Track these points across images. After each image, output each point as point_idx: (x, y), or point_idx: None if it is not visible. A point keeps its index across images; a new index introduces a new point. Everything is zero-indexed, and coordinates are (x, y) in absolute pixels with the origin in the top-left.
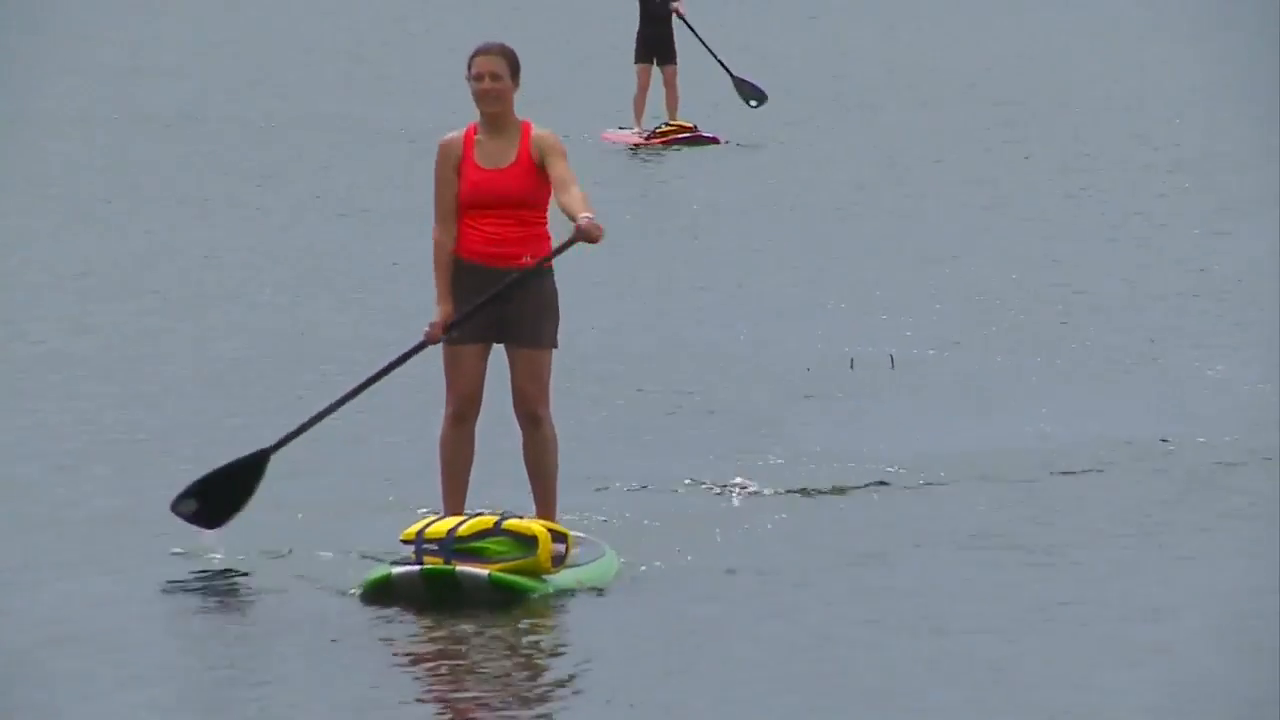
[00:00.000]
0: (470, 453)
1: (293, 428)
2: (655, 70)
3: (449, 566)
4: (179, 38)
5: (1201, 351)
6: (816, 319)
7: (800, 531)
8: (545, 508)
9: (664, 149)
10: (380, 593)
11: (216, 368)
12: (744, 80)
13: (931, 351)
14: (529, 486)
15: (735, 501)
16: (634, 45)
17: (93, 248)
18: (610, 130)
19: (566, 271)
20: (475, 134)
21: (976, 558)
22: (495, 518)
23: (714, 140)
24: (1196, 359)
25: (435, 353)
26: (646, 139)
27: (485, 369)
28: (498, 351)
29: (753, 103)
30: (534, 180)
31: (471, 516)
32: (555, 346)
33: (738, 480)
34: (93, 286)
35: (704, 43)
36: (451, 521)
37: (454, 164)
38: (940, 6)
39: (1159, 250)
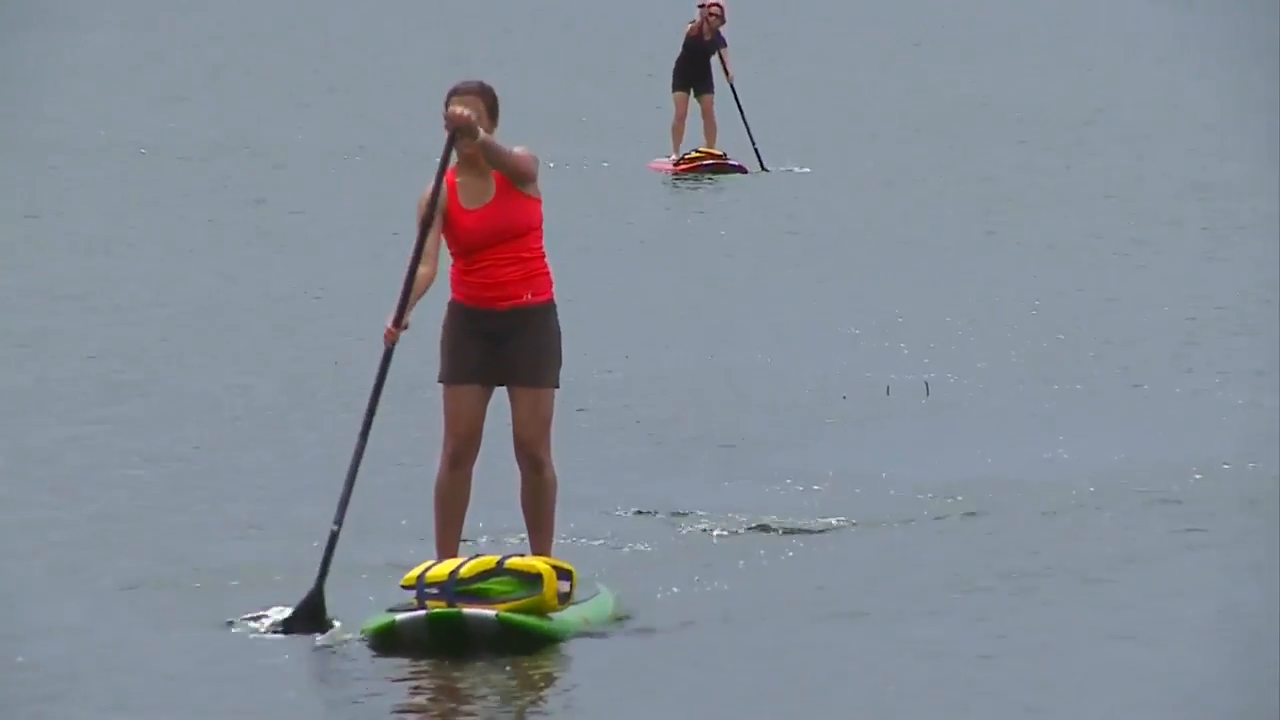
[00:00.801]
0: (466, 496)
1: (334, 517)
2: (693, 100)
3: (455, 609)
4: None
5: (1224, 378)
6: (845, 347)
7: (816, 567)
8: (542, 549)
9: (697, 177)
10: (384, 640)
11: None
12: (764, 165)
13: (956, 378)
14: (523, 527)
15: (742, 533)
16: (671, 74)
17: (122, 271)
18: (657, 160)
19: (595, 298)
20: (455, 177)
21: (999, 592)
22: (497, 557)
23: (740, 169)
24: (1223, 386)
25: (436, 394)
26: (675, 165)
27: (485, 411)
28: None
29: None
30: (518, 206)
31: (472, 557)
32: (557, 386)
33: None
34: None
35: (744, 117)
36: (452, 563)
37: (440, 209)
38: (960, 38)
39: (1183, 277)
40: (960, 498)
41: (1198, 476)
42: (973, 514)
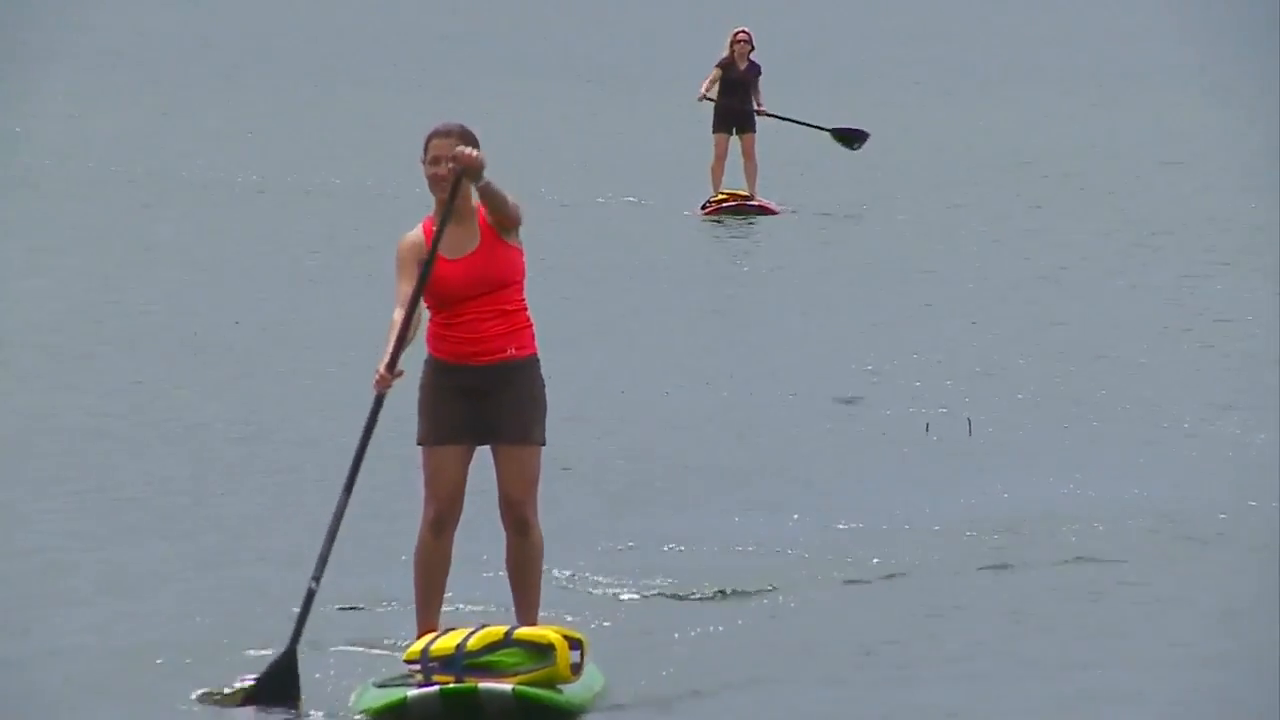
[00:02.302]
0: (448, 563)
1: (314, 569)
2: (735, 140)
3: (470, 684)
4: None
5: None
6: (890, 384)
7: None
8: (528, 615)
9: (720, 219)
10: (392, 718)
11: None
12: (841, 129)
13: (985, 416)
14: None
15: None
16: (711, 115)
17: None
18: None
19: (631, 332)
20: (432, 225)
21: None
22: (505, 628)
23: (764, 210)
24: (1245, 426)
25: (415, 455)
26: (703, 208)
27: (467, 472)
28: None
29: (856, 145)
30: (502, 256)
31: (478, 628)
32: (543, 444)
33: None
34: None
35: (792, 119)
36: (457, 635)
37: (417, 259)
38: (985, 78)
39: (1213, 315)
40: (997, 537)
41: (1224, 516)
42: (1002, 565)
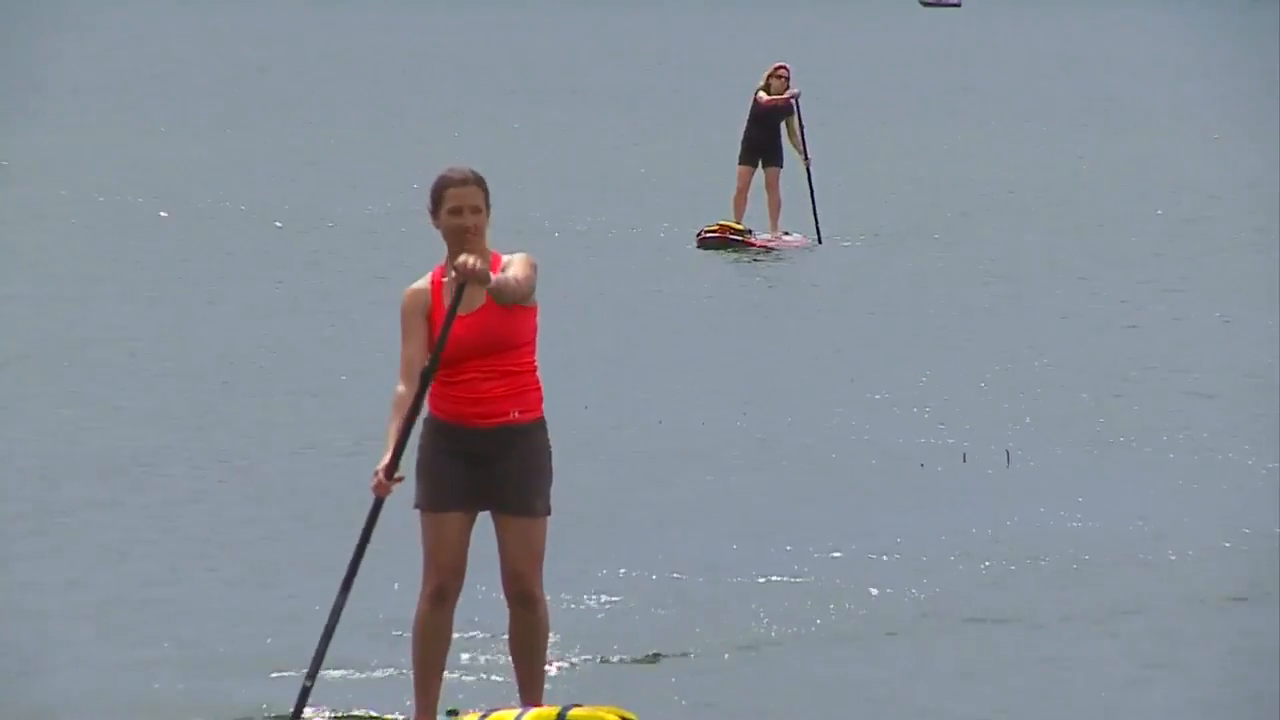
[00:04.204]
0: (450, 634)
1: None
2: (759, 173)
3: None
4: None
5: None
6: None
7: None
8: (533, 693)
9: (722, 248)
10: None
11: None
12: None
13: (994, 446)
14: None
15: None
16: (739, 146)
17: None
18: (758, 235)
19: (657, 360)
20: (443, 276)
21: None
22: (557, 709)
23: (760, 246)
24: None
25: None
26: (698, 236)
27: (469, 540)
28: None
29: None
30: (513, 316)
31: (527, 708)
32: (549, 514)
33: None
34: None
35: (811, 185)
36: (507, 716)
37: (423, 313)
38: (1013, 110)
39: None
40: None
41: (1228, 545)
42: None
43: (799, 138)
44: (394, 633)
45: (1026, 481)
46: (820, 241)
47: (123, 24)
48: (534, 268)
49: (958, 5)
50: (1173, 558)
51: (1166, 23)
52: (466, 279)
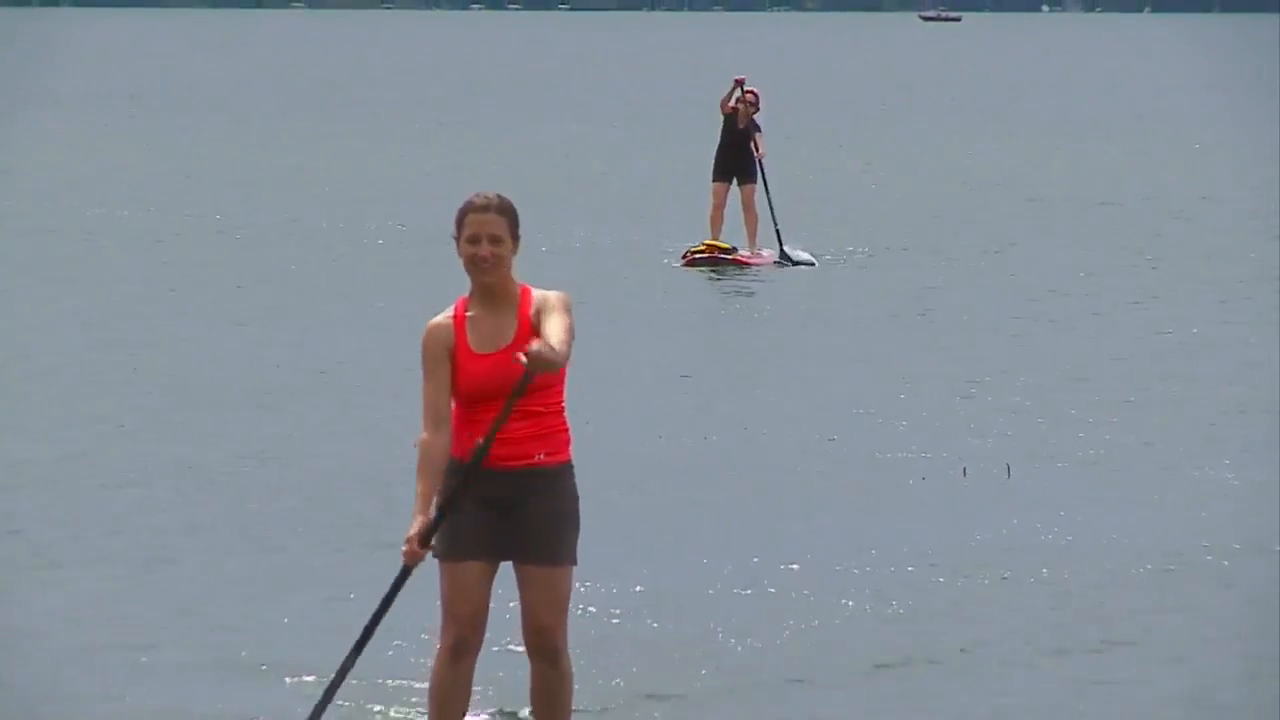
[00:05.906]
0: (468, 693)
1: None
2: (735, 189)
3: None
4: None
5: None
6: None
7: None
8: None
9: (712, 269)
10: None
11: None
12: (788, 255)
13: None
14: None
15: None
16: (712, 162)
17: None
18: (740, 252)
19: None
20: (466, 310)
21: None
22: None
23: (744, 263)
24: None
25: (431, 573)
26: (683, 257)
27: (490, 590)
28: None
29: (792, 264)
30: None
31: None
32: (575, 564)
33: None
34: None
35: (770, 201)
36: None
37: (445, 352)
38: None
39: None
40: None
41: (1222, 561)
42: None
43: (757, 145)
44: (413, 683)
45: (1027, 495)
46: (785, 255)
47: (123, 36)
48: (571, 329)
49: (958, 20)
50: (1173, 571)
51: (1169, 36)
52: (536, 369)
